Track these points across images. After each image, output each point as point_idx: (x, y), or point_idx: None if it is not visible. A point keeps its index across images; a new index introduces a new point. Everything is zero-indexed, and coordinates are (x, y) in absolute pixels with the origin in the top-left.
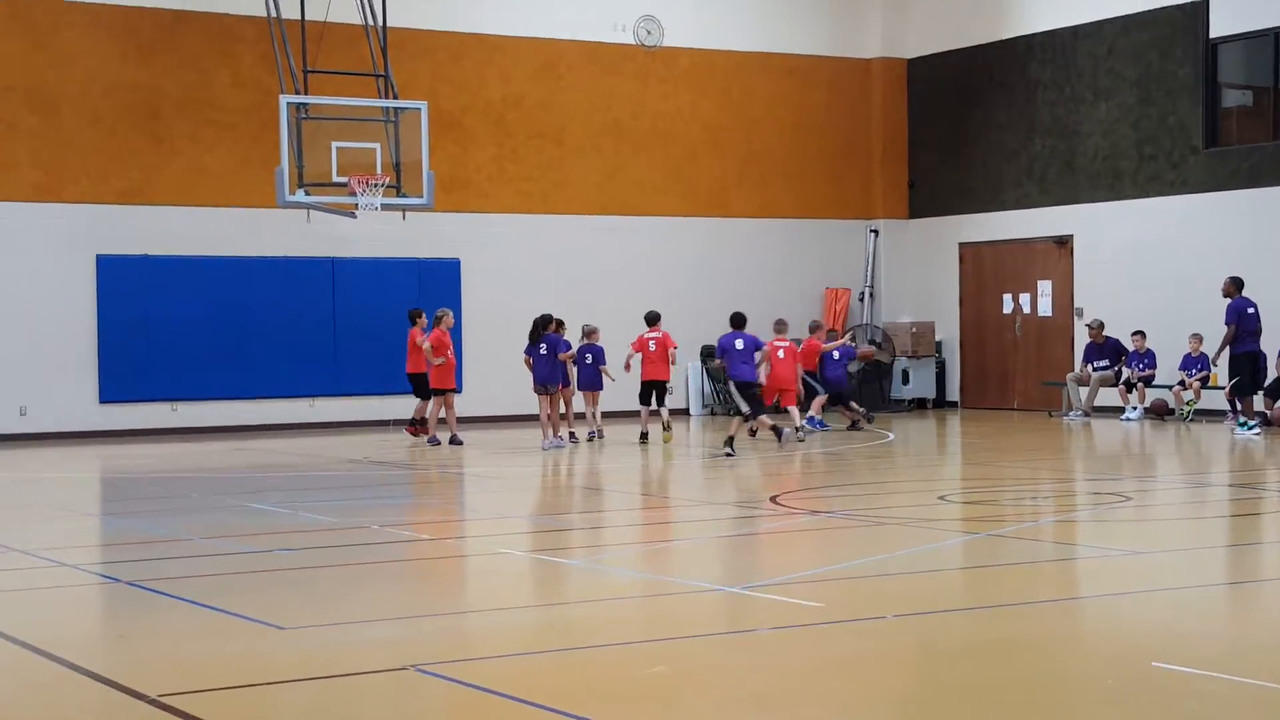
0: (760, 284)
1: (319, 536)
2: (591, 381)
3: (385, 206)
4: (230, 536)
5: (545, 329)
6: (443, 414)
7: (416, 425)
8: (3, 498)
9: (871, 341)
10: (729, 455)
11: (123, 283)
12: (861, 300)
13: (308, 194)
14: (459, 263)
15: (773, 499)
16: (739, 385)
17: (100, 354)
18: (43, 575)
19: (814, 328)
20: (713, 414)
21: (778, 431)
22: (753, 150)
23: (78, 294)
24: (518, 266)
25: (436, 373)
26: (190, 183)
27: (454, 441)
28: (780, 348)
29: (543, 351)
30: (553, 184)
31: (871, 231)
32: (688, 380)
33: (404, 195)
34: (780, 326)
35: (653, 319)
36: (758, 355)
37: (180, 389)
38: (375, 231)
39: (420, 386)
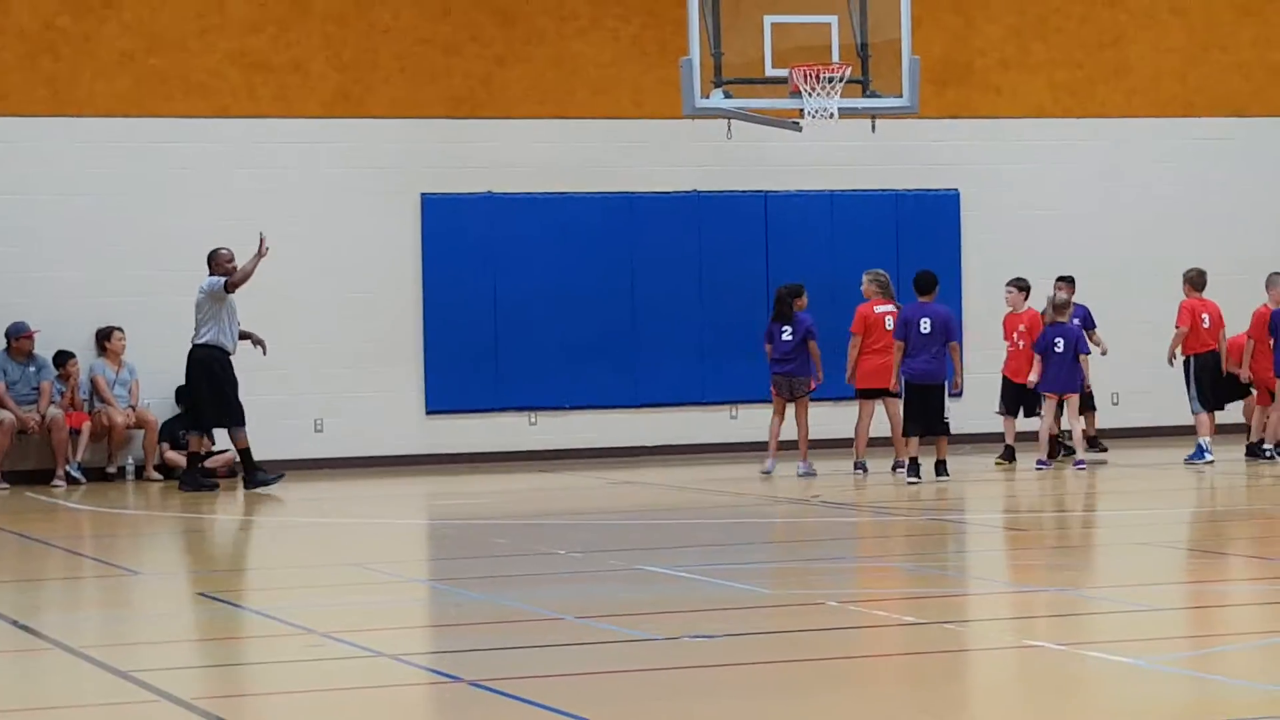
0: None
1: (746, 617)
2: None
3: (845, 112)
4: (615, 615)
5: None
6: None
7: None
8: (294, 552)
9: None
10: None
11: (454, 234)
12: None
13: (728, 95)
14: (957, 196)
15: None
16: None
17: (426, 342)
18: (351, 670)
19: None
20: None
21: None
22: None
23: (398, 254)
24: (1050, 200)
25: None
26: (553, 84)
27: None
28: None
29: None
30: (1105, 71)
31: None
32: None
33: (873, 94)
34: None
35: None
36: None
37: (542, 394)
38: (829, 150)
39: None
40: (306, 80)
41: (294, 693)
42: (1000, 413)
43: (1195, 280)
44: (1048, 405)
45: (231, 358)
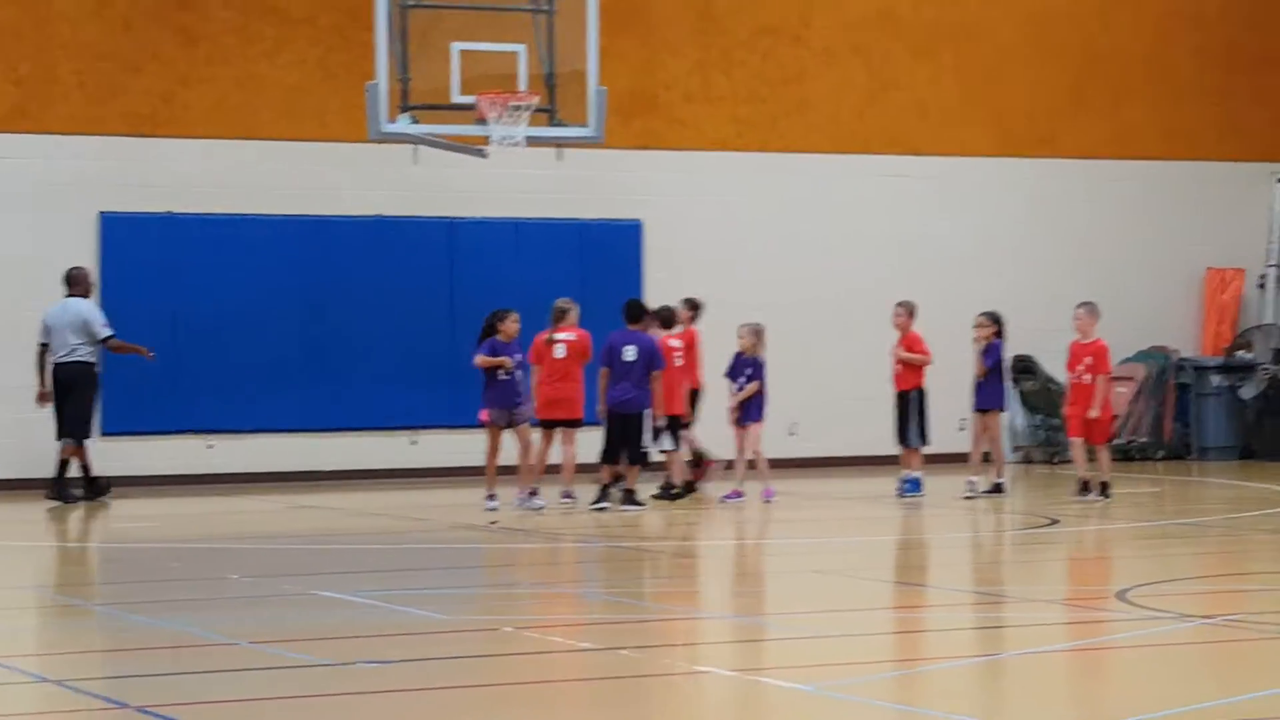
0: (1105, 260)
1: (421, 642)
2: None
3: (531, 140)
4: (288, 641)
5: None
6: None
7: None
8: None
9: (1277, 352)
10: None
11: (133, 253)
12: (1262, 287)
13: (415, 121)
14: (639, 226)
15: (1122, 595)
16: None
17: (103, 363)
18: (16, 696)
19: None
20: (1029, 461)
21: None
22: (1096, 56)
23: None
24: (730, 232)
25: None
26: (237, 104)
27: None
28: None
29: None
30: (787, 107)
31: None
32: None
33: (559, 123)
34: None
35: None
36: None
37: (220, 417)
38: (515, 178)
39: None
40: None
41: None
42: (665, 450)
43: (916, 311)
44: (756, 433)
45: None
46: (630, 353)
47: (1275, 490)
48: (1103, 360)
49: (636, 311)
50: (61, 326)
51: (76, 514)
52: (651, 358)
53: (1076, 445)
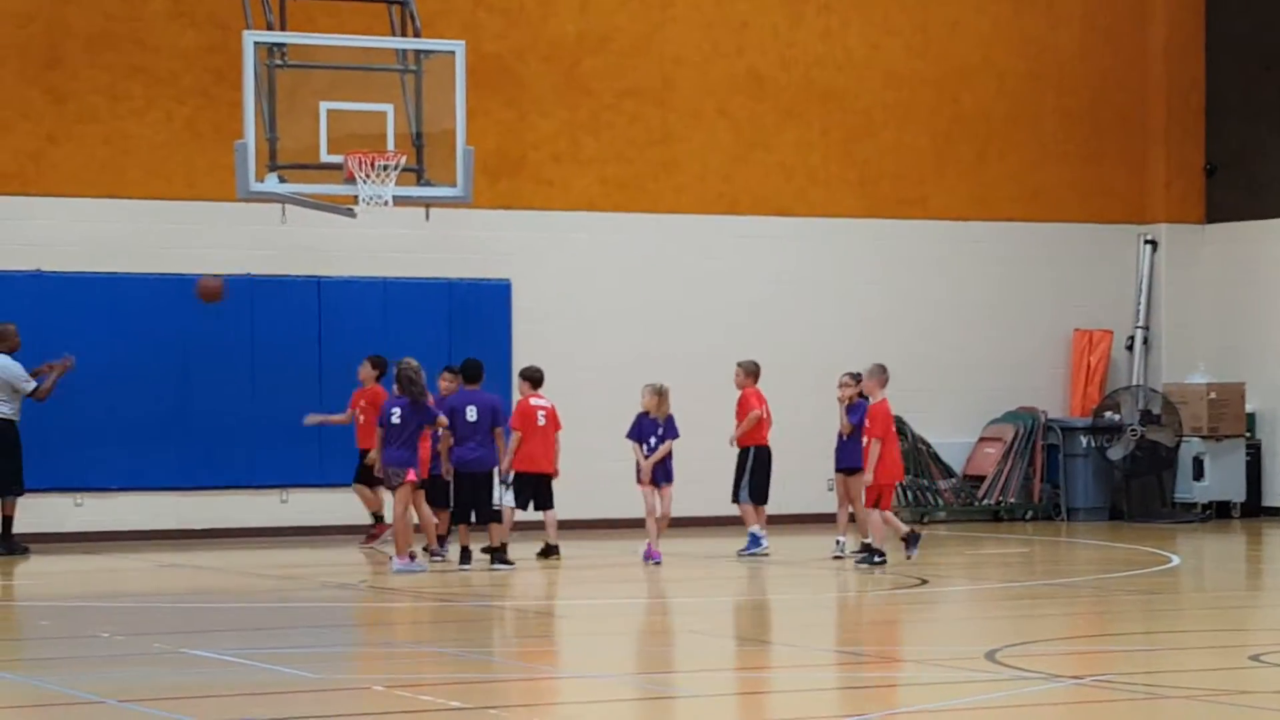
0: (973, 321)
1: (289, 701)
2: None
3: (399, 199)
4: (158, 700)
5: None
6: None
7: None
8: None
9: (1145, 414)
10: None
11: (1, 312)
12: (1130, 349)
13: (283, 180)
14: (508, 286)
15: (990, 655)
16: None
17: None
18: None
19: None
20: None
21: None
22: (961, 118)
23: None
24: (598, 291)
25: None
26: (105, 163)
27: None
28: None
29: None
30: (654, 168)
31: (1147, 243)
32: None
33: (427, 183)
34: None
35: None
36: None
37: (88, 474)
38: (384, 237)
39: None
40: None
41: None
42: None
43: (756, 371)
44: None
45: None
46: (472, 413)
47: (1143, 551)
48: (874, 423)
49: (474, 371)
50: None
51: None
52: (493, 415)
53: (873, 516)
